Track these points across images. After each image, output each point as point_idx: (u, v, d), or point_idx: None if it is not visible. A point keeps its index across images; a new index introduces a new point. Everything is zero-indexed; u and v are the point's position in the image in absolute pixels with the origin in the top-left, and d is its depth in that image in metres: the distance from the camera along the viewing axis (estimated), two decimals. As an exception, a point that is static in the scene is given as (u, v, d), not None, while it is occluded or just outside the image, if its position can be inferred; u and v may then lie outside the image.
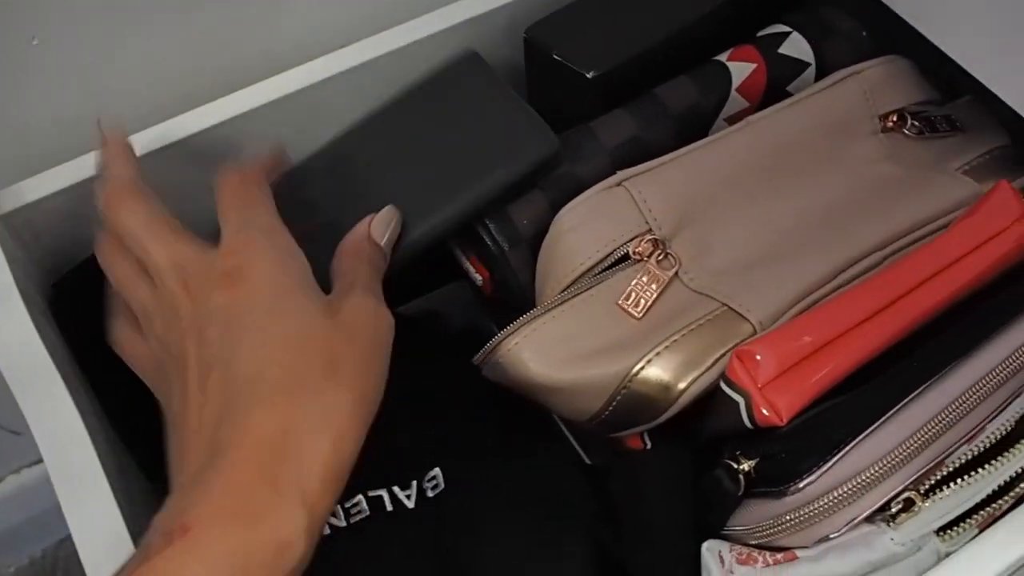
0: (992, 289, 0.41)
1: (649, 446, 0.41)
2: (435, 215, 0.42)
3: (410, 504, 0.39)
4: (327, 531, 0.37)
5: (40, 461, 0.76)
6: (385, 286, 0.40)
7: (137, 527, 0.33)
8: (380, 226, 0.39)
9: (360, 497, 0.38)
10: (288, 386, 0.31)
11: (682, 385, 0.39)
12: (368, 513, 0.38)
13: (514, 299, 0.44)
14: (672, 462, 0.39)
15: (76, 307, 0.43)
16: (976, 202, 0.42)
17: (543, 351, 0.40)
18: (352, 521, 0.38)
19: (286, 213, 0.38)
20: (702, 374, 0.39)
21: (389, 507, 0.39)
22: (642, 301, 0.41)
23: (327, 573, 0.36)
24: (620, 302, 0.41)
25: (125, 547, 0.33)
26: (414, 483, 0.39)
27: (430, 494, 0.39)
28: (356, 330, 0.34)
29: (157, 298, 0.35)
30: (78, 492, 0.34)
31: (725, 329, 0.39)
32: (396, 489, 0.39)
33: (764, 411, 0.36)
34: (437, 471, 0.40)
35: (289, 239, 0.36)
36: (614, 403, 0.40)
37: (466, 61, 0.44)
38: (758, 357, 0.37)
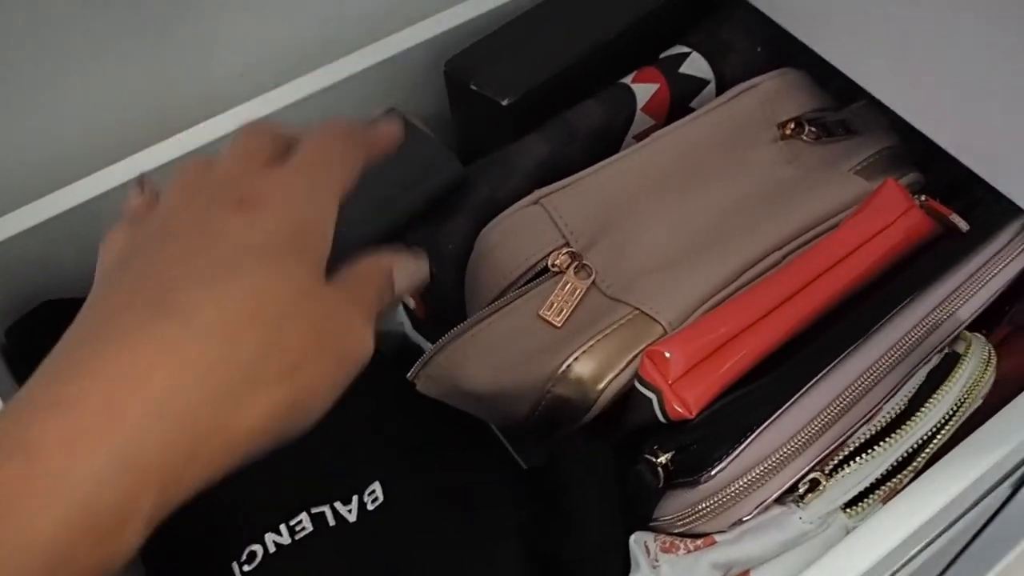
0: (884, 279, 0.44)
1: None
2: (364, 234, 0.45)
3: (352, 518, 0.41)
4: (272, 549, 0.39)
5: None
6: None
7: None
8: (403, 277, 0.34)
9: (303, 515, 0.40)
10: (225, 352, 0.25)
11: (600, 386, 0.41)
12: (311, 529, 0.40)
13: (446, 318, 0.47)
14: (593, 456, 0.42)
15: (29, 353, 0.44)
16: (866, 199, 0.46)
17: (471, 362, 0.43)
18: (297, 538, 0.40)
19: None
20: (617, 375, 0.41)
21: (332, 522, 0.40)
22: (562, 310, 0.44)
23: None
24: (542, 312, 0.44)
25: None
26: (355, 498, 0.41)
27: (370, 507, 0.41)
28: (331, 339, 0.29)
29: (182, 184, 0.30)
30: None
31: (638, 331, 0.42)
32: (338, 504, 0.41)
33: (676, 407, 0.39)
34: (376, 485, 0.42)
35: (330, 220, 0.30)
36: (540, 407, 0.42)
37: (386, 113, 0.48)
38: (667, 355, 0.40)
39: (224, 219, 0.28)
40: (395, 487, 0.42)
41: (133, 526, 0.23)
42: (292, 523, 0.40)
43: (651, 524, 0.42)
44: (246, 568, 0.39)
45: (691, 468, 0.39)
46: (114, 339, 0.25)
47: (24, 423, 0.23)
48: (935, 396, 0.41)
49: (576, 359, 0.42)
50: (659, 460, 0.40)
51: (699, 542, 0.40)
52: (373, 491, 0.42)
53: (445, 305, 0.46)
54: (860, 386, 0.41)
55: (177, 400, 0.24)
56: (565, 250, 0.45)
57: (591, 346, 0.42)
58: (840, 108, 0.53)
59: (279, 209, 0.29)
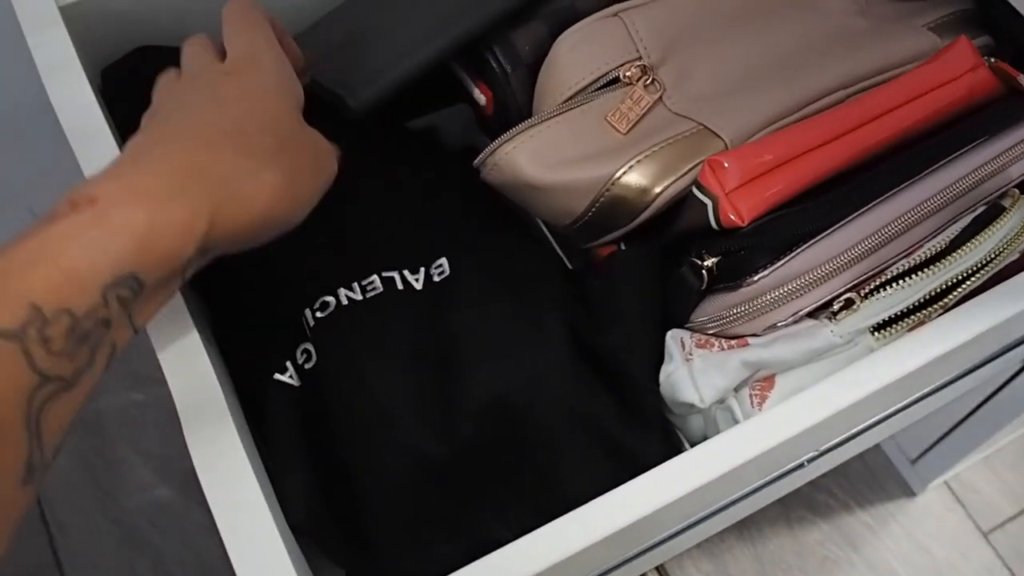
0: (941, 129, 0.45)
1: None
2: (441, 37, 0.46)
3: (418, 287, 0.43)
4: (344, 302, 0.42)
5: None
6: (392, 104, 0.45)
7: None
8: None
9: (375, 276, 0.43)
10: (238, 143, 0.35)
11: (658, 189, 0.43)
12: (381, 290, 0.43)
13: (513, 119, 0.48)
14: (644, 258, 0.44)
15: (123, 94, 0.46)
16: (936, 52, 0.47)
17: (537, 155, 0.44)
18: (367, 296, 0.42)
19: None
20: (676, 180, 0.43)
21: (400, 287, 0.43)
22: (628, 118, 0.45)
23: (345, 337, 0.41)
24: (608, 117, 0.45)
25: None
26: (422, 269, 0.44)
27: (436, 279, 0.44)
28: (312, 151, 0.39)
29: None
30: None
31: (700, 144, 0.44)
32: (407, 272, 0.44)
33: (730, 214, 0.41)
34: (444, 260, 0.44)
35: (286, 63, 0.40)
36: (597, 204, 0.44)
37: None
38: (726, 165, 0.41)
39: (222, 85, 0.38)
40: (459, 264, 0.44)
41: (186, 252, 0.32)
42: (364, 282, 0.43)
43: (688, 326, 0.44)
44: (318, 315, 0.42)
45: (734, 273, 0.41)
46: (170, 143, 0.34)
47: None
48: (975, 240, 0.43)
49: (639, 161, 0.43)
50: (704, 263, 0.42)
51: (733, 342, 0.42)
52: (440, 265, 0.44)
53: (513, 104, 0.48)
54: (905, 220, 0.42)
55: (212, 171, 0.33)
56: (637, 63, 0.46)
57: (654, 151, 0.43)
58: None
59: (253, 71, 0.38)
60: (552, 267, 0.47)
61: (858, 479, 0.88)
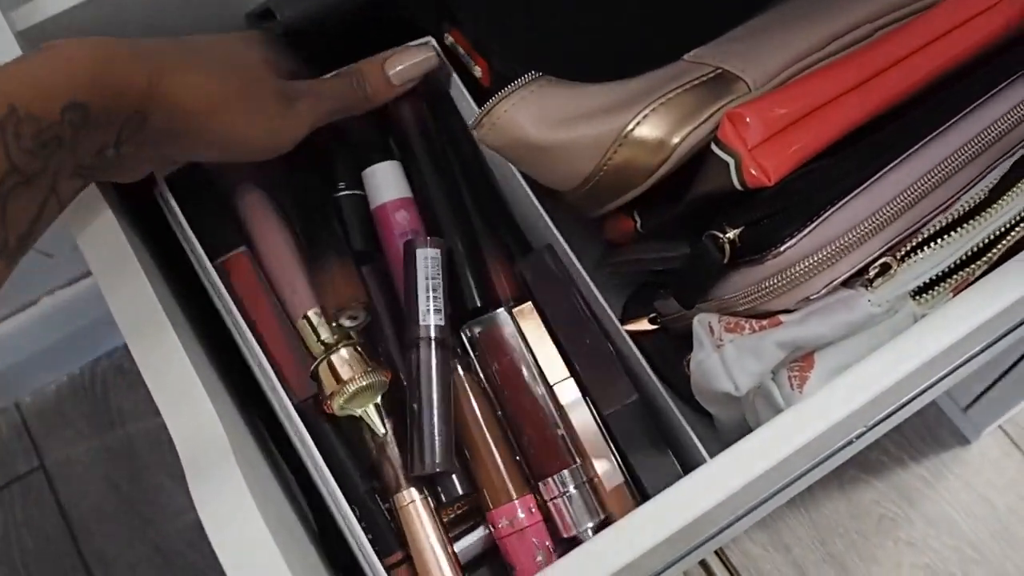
0: (977, 65, 0.42)
1: (640, 225, 0.43)
2: None
3: None
4: None
5: (74, 282, 0.79)
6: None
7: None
8: (408, 67, 0.46)
9: None
10: (192, 55, 0.39)
11: (676, 140, 0.39)
12: None
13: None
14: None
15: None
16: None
17: (539, 112, 0.41)
18: None
19: None
20: (695, 128, 0.39)
21: None
22: (640, 66, 0.42)
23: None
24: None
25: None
26: None
27: None
28: (274, 108, 0.41)
29: None
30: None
31: (720, 88, 0.40)
32: None
33: (753, 171, 0.37)
34: None
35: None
36: (608, 162, 0.40)
37: None
38: (748, 120, 0.38)
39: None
40: None
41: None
42: None
43: (714, 302, 0.41)
44: None
45: (759, 245, 0.38)
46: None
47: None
48: (1017, 187, 0.40)
49: (653, 110, 0.39)
50: (727, 235, 0.39)
51: (764, 322, 0.39)
52: None
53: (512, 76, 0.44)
54: (940, 172, 0.39)
55: (162, 49, 0.38)
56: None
57: (669, 99, 0.40)
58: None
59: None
60: None
61: (910, 432, 0.85)
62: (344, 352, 0.43)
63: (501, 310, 0.45)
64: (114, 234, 0.40)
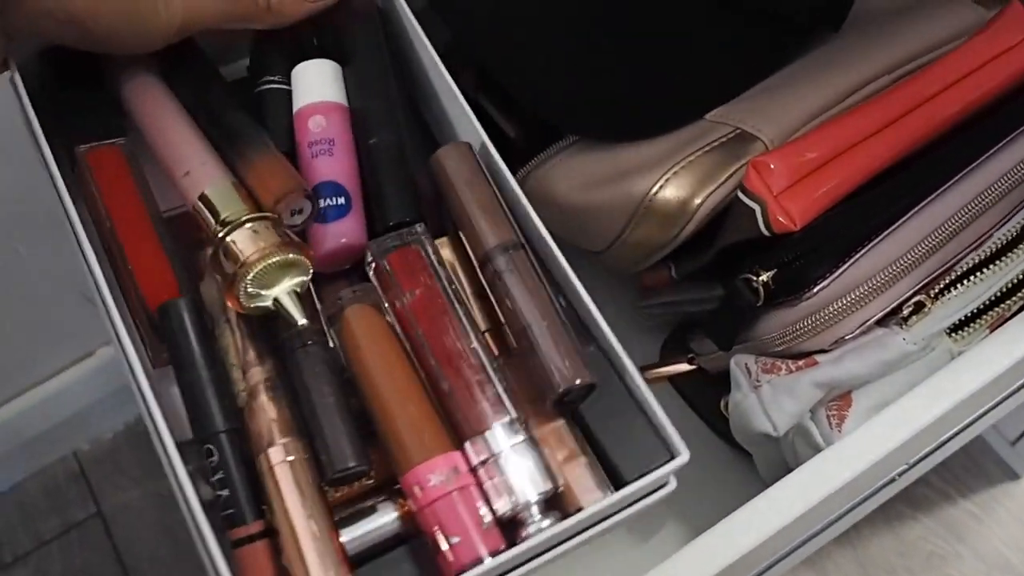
0: (1002, 104, 0.42)
1: (675, 272, 0.44)
2: None
3: None
4: None
5: None
6: None
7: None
8: None
9: None
10: None
11: (698, 200, 0.40)
12: None
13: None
14: None
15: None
16: (987, 21, 0.44)
17: (569, 176, 0.43)
18: None
19: None
20: (717, 188, 0.40)
21: None
22: (660, 131, 0.43)
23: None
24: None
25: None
26: None
27: None
28: None
29: None
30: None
31: (738, 148, 0.41)
32: None
33: (780, 218, 0.38)
34: None
35: None
36: (634, 222, 0.41)
37: None
38: (772, 166, 0.39)
39: None
40: None
41: None
42: None
43: (749, 343, 0.42)
44: None
45: (791, 287, 0.39)
46: None
47: None
48: (1049, 223, 0.40)
49: (675, 173, 0.41)
50: (760, 278, 0.39)
51: (800, 363, 0.40)
52: None
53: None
54: (970, 210, 0.40)
55: None
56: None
57: (691, 161, 0.41)
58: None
59: None
60: None
61: (956, 466, 0.83)
62: (252, 226, 0.34)
63: (421, 224, 0.37)
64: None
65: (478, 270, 0.37)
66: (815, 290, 0.38)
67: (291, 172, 0.36)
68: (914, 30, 0.44)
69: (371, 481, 0.34)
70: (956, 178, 0.40)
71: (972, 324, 0.40)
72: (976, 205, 0.40)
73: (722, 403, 0.44)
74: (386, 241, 0.36)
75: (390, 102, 0.40)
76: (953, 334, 0.40)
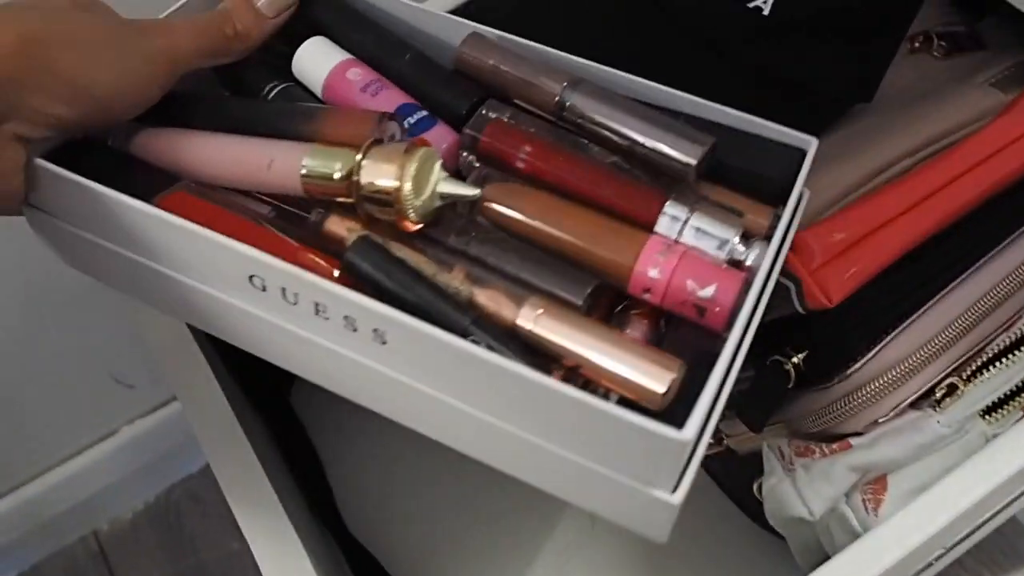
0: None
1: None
2: None
3: None
4: None
5: (152, 411, 0.82)
6: None
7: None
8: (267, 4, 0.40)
9: None
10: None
11: None
12: None
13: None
14: None
15: None
16: (1008, 103, 0.44)
17: None
18: None
19: None
20: None
21: None
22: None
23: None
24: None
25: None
26: None
27: None
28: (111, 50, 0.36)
29: None
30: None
31: None
32: None
33: (817, 295, 0.38)
34: None
35: None
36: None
37: None
38: (807, 244, 0.39)
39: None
40: None
41: None
42: None
43: (781, 424, 0.42)
44: None
45: (824, 369, 0.39)
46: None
47: None
48: (1081, 303, 0.40)
49: None
50: (791, 360, 0.39)
51: (834, 446, 0.40)
52: None
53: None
54: (1002, 290, 0.40)
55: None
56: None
57: None
58: (967, 24, 0.51)
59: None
60: None
61: (990, 546, 0.82)
62: (371, 159, 0.34)
63: (490, 99, 0.38)
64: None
65: (556, 122, 0.38)
66: (848, 372, 0.38)
67: (361, 110, 0.38)
68: (936, 114, 0.45)
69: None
70: (986, 257, 0.40)
71: (1006, 406, 0.40)
72: (1007, 285, 0.40)
73: (755, 485, 0.43)
74: (475, 124, 0.37)
75: (388, 34, 0.42)
76: (987, 416, 0.40)
